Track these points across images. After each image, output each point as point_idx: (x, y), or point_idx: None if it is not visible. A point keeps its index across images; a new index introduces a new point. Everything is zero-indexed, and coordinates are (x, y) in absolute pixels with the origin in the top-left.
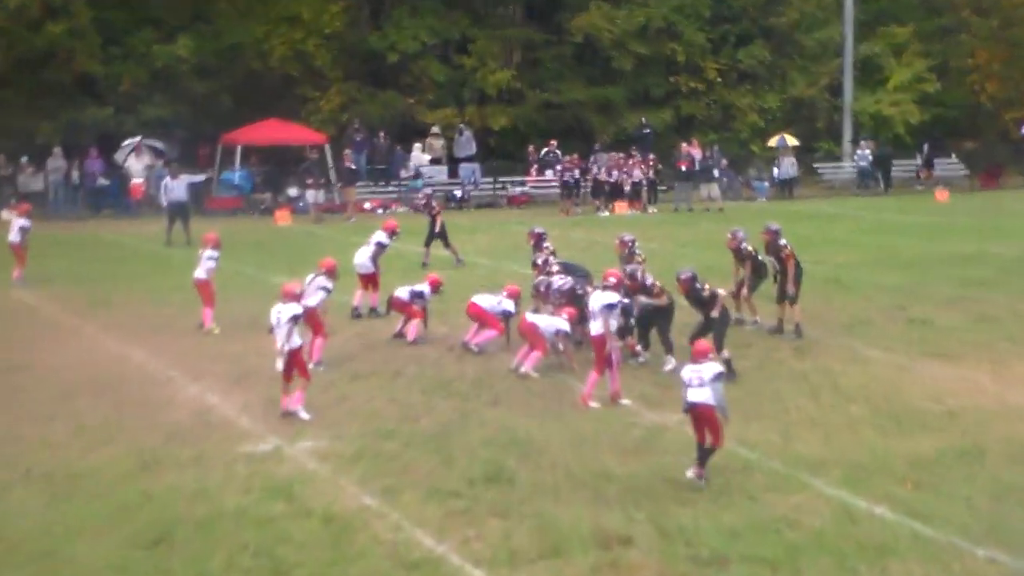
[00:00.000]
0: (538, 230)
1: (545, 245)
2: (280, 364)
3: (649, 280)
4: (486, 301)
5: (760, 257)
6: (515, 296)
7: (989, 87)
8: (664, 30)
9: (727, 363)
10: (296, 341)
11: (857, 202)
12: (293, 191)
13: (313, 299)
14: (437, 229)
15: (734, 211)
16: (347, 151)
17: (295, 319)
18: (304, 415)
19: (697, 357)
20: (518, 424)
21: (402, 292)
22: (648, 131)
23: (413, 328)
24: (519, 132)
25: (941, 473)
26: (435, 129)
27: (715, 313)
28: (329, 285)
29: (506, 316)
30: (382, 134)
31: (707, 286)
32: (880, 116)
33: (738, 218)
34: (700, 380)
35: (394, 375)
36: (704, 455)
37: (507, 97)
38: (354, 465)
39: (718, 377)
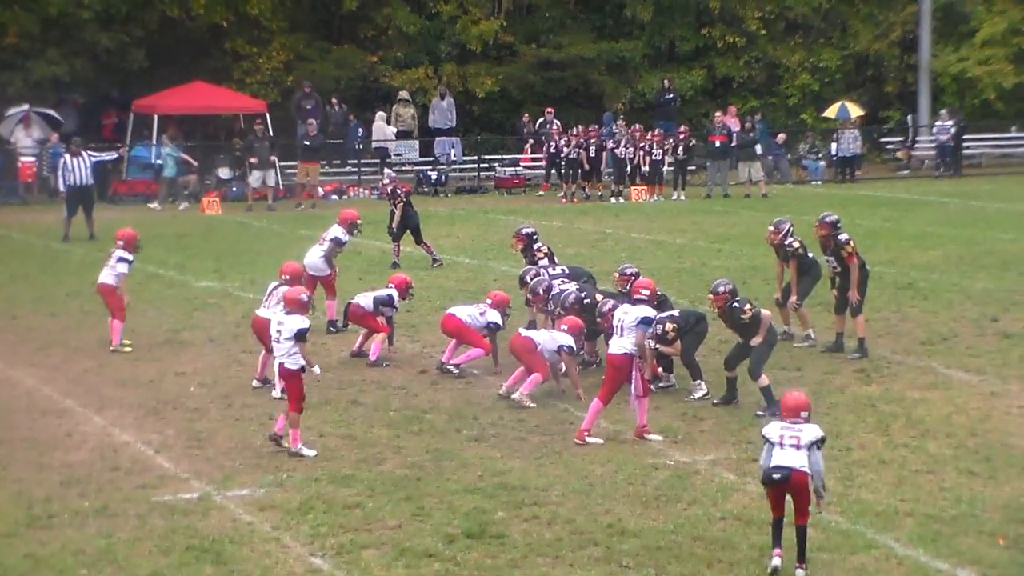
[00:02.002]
0: (526, 230)
1: (537, 247)
2: (278, 391)
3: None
4: (465, 312)
5: (811, 255)
6: (502, 305)
7: None
8: None
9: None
10: (299, 362)
11: (937, 186)
12: (224, 172)
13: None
14: (396, 221)
15: (781, 197)
16: (311, 121)
17: (301, 335)
18: (308, 452)
19: (791, 414)
20: (508, 466)
21: (363, 299)
22: (673, 96)
23: (376, 345)
24: (509, 98)
25: None
26: (403, 94)
27: (757, 341)
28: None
29: (492, 330)
30: (336, 100)
31: (748, 307)
32: (965, 78)
33: (787, 206)
34: (796, 443)
35: (351, 404)
36: (801, 538)
37: (494, 54)
38: (301, 518)
39: (820, 443)
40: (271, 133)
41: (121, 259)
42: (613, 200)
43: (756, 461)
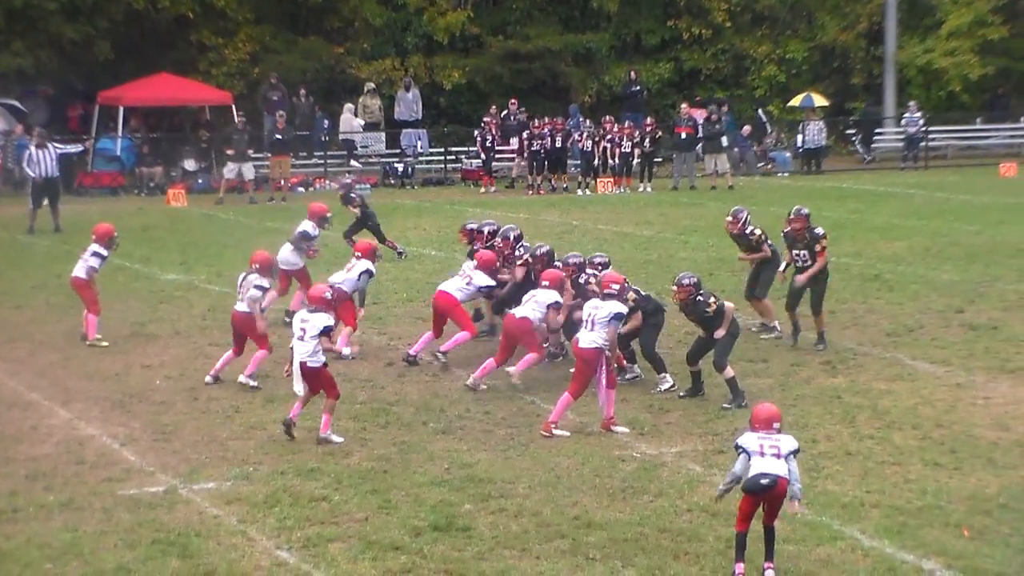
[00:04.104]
0: (472, 225)
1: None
2: (299, 387)
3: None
4: (454, 287)
5: (770, 244)
6: (489, 266)
7: None
8: None
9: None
10: (321, 359)
11: (903, 178)
12: (190, 164)
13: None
14: (357, 220)
15: (748, 188)
16: (280, 113)
17: (327, 333)
18: (336, 439)
19: (764, 425)
20: (475, 459)
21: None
22: (639, 88)
23: (343, 337)
24: (476, 89)
25: (1008, 518)
26: (370, 86)
27: (720, 334)
28: (265, 284)
29: (485, 294)
30: (303, 92)
31: (713, 300)
32: (931, 69)
33: (753, 198)
34: (777, 452)
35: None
36: (770, 538)
37: (461, 45)
38: (268, 511)
39: (796, 452)
40: (237, 125)
41: (95, 254)
42: (580, 192)
43: (723, 453)
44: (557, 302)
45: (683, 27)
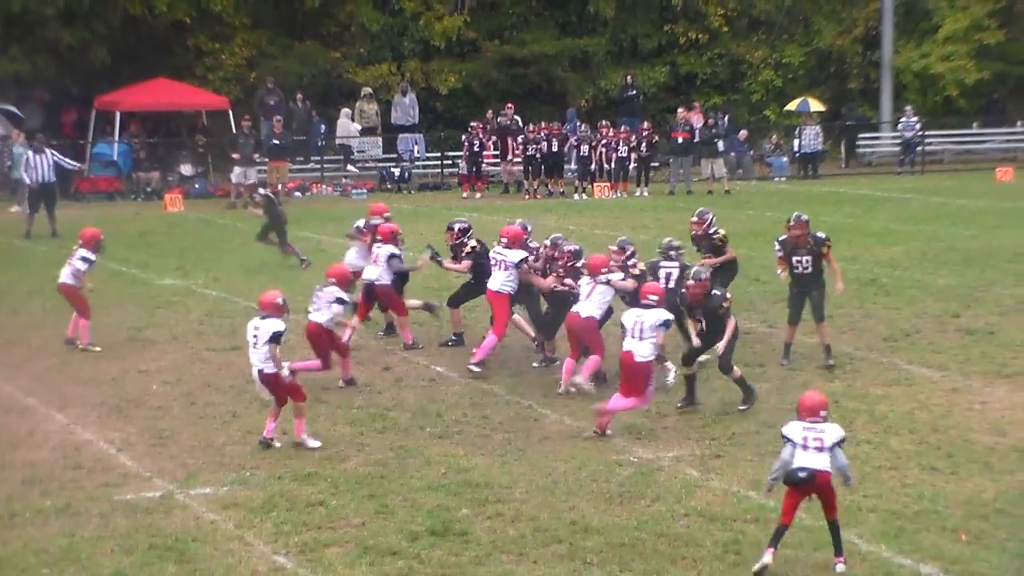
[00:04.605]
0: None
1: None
2: (264, 394)
3: None
4: (497, 283)
5: (728, 250)
6: (516, 240)
7: None
8: None
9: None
10: (276, 369)
11: (899, 183)
12: (187, 169)
13: (324, 314)
14: (267, 221)
15: (744, 193)
16: (277, 118)
17: (276, 338)
18: (312, 443)
19: (810, 413)
20: (472, 464)
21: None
22: (635, 93)
23: (404, 330)
24: (473, 94)
25: (1004, 523)
26: (367, 90)
27: (729, 333)
28: (347, 297)
29: (520, 267)
30: (300, 97)
31: (728, 296)
32: (927, 74)
33: (750, 202)
34: (820, 444)
35: (314, 402)
36: (835, 533)
37: (458, 50)
38: (265, 516)
39: (841, 442)
40: (233, 130)
41: (83, 258)
42: (577, 196)
43: (720, 457)
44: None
45: (679, 32)
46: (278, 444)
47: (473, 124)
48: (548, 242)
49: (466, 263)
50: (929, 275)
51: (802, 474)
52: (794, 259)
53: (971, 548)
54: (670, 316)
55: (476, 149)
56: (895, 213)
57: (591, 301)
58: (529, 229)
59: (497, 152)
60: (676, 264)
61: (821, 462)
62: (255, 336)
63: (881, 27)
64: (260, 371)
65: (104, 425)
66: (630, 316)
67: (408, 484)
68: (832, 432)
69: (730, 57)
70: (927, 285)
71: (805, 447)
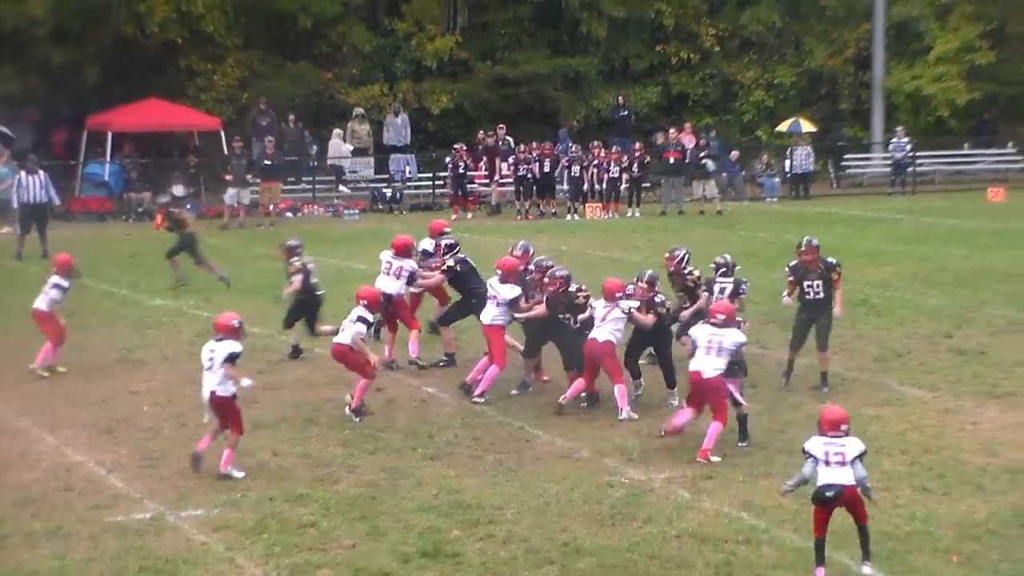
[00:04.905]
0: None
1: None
2: (208, 416)
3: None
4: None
5: (704, 288)
6: (511, 274)
7: None
8: None
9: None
10: (231, 388)
11: (891, 203)
12: (178, 189)
13: (348, 334)
14: (180, 241)
15: (736, 213)
16: (269, 139)
17: (232, 359)
18: (238, 474)
19: (832, 427)
20: (464, 485)
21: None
22: (627, 113)
23: (412, 342)
24: (465, 114)
25: (996, 544)
26: (359, 111)
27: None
28: (369, 317)
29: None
30: (292, 117)
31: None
32: (919, 95)
33: (741, 223)
34: (842, 459)
35: (306, 423)
36: (865, 538)
37: (450, 70)
38: (256, 538)
39: (862, 456)
40: (225, 150)
41: (55, 285)
42: (569, 217)
43: (711, 479)
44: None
45: (671, 52)
46: (239, 474)
47: (456, 146)
48: (532, 266)
49: (437, 277)
50: (920, 295)
51: (829, 492)
52: (805, 284)
53: (963, 569)
54: (744, 338)
55: (461, 171)
56: (886, 233)
57: (607, 325)
58: (531, 251)
59: (478, 173)
60: (731, 280)
61: (846, 477)
62: (211, 359)
63: (872, 48)
64: (212, 393)
65: (95, 446)
66: (703, 333)
67: (399, 505)
68: (853, 446)
69: (722, 77)
70: (918, 305)
71: (828, 463)
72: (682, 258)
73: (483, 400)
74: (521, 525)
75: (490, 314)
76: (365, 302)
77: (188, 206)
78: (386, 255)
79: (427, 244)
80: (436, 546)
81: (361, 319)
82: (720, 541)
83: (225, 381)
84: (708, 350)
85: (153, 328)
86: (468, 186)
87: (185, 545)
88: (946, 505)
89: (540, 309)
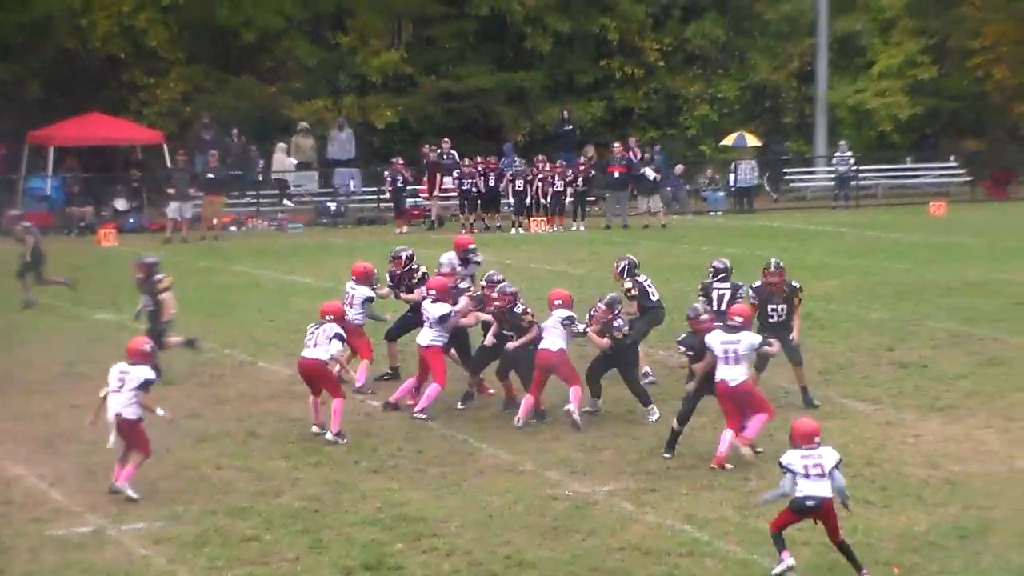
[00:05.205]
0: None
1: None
2: (113, 440)
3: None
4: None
5: (655, 299)
6: (443, 292)
7: (997, 73)
8: (592, 1)
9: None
10: (138, 411)
11: (834, 217)
12: (121, 203)
13: (323, 351)
14: (29, 258)
15: (680, 227)
16: (213, 152)
17: (146, 386)
18: (133, 494)
19: (806, 440)
20: (407, 498)
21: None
22: (572, 128)
23: (362, 369)
24: (409, 129)
25: (937, 556)
26: (303, 125)
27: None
28: (342, 332)
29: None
30: (235, 131)
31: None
32: (862, 109)
33: (686, 237)
34: (821, 471)
35: (249, 436)
36: (848, 552)
37: (394, 85)
38: (198, 551)
39: (839, 464)
40: (168, 164)
41: None
42: (513, 231)
43: (655, 491)
44: (572, 317)
45: (616, 67)
46: (134, 494)
47: (393, 160)
48: (484, 281)
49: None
50: (863, 309)
51: (811, 503)
52: (770, 307)
53: None
54: (759, 340)
55: (399, 185)
56: (829, 247)
57: (555, 332)
58: (457, 267)
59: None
60: (728, 285)
61: (825, 489)
62: (120, 381)
63: (816, 62)
64: (118, 415)
65: (35, 460)
66: (717, 342)
67: (342, 519)
68: (830, 456)
69: (666, 92)
70: (861, 319)
71: (807, 475)
72: (622, 268)
73: (424, 416)
74: (464, 538)
75: (427, 336)
76: (331, 317)
77: (131, 220)
78: (349, 284)
79: (450, 259)
80: (379, 559)
81: (338, 336)
82: (663, 554)
83: (131, 404)
84: (727, 360)
85: (95, 342)
86: (409, 200)
87: (126, 559)
88: (887, 517)
89: (470, 319)
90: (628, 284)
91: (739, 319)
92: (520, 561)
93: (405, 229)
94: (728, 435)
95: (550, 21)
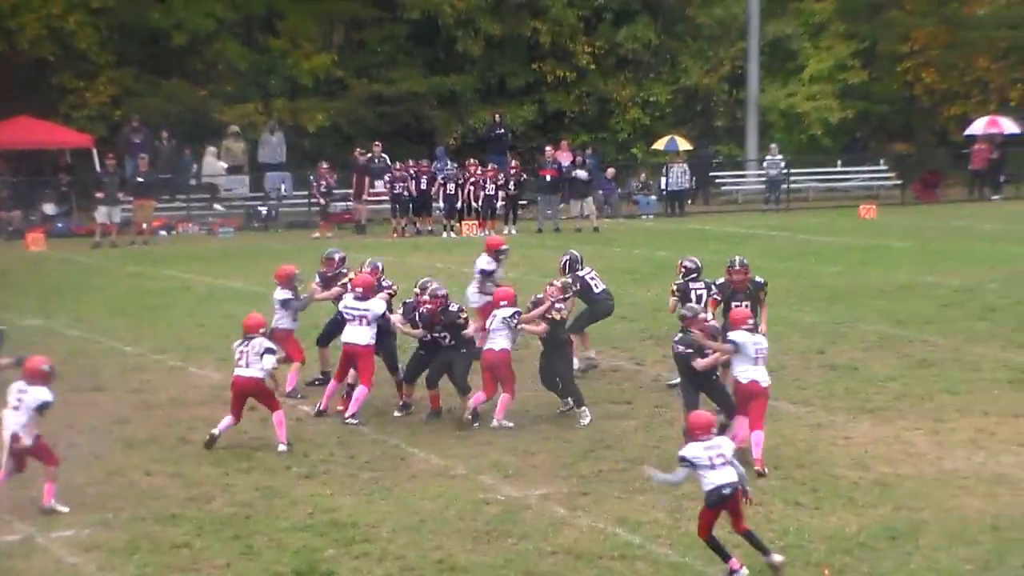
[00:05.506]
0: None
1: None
2: (3, 458)
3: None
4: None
5: (599, 290)
6: (370, 289)
7: (926, 77)
8: (523, 4)
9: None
10: (35, 431)
11: (765, 220)
12: (50, 208)
13: (256, 369)
14: None
15: (612, 230)
16: (143, 156)
17: (42, 408)
18: (63, 508)
19: (704, 431)
20: (339, 503)
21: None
22: (503, 131)
23: (292, 374)
24: (341, 132)
25: (867, 557)
26: (234, 128)
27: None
28: (274, 346)
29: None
30: (165, 135)
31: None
32: (792, 113)
33: (618, 240)
34: (724, 458)
35: (179, 442)
36: (754, 540)
37: (326, 88)
38: (127, 559)
39: (735, 452)
40: (97, 168)
41: None
42: (445, 235)
43: (587, 495)
44: (518, 311)
45: (547, 70)
46: (64, 508)
47: (321, 163)
48: (418, 288)
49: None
50: (795, 312)
51: (727, 491)
52: (733, 304)
53: None
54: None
55: (323, 189)
56: (761, 250)
57: (500, 333)
58: (379, 267)
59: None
60: (702, 284)
61: (733, 475)
62: (18, 400)
63: (747, 66)
64: (14, 435)
65: None
66: (749, 343)
67: (274, 524)
68: (727, 444)
69: (598, 95)
70: (793, 322)
71: (714, 466)
72: (563, 263)
73: (355, 422)
74: (396, 543)
75: (356, 335)
76: (260, 332)
77: (60, 224)
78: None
79: (484, 263)
80: (311, 565)
81: (269, 350)
82: (595, 557)
83: (28, 424)
84: (756, 361)
85: (23, 349)
86: (340, 204)
87: (55, 567)
88: (818, 519)
89: (420, 331)
90: (569, 279)
91: (752, 321)
92: (452, 565)
93: (329, 234)
94: (759, 436)
95: (481, 24)
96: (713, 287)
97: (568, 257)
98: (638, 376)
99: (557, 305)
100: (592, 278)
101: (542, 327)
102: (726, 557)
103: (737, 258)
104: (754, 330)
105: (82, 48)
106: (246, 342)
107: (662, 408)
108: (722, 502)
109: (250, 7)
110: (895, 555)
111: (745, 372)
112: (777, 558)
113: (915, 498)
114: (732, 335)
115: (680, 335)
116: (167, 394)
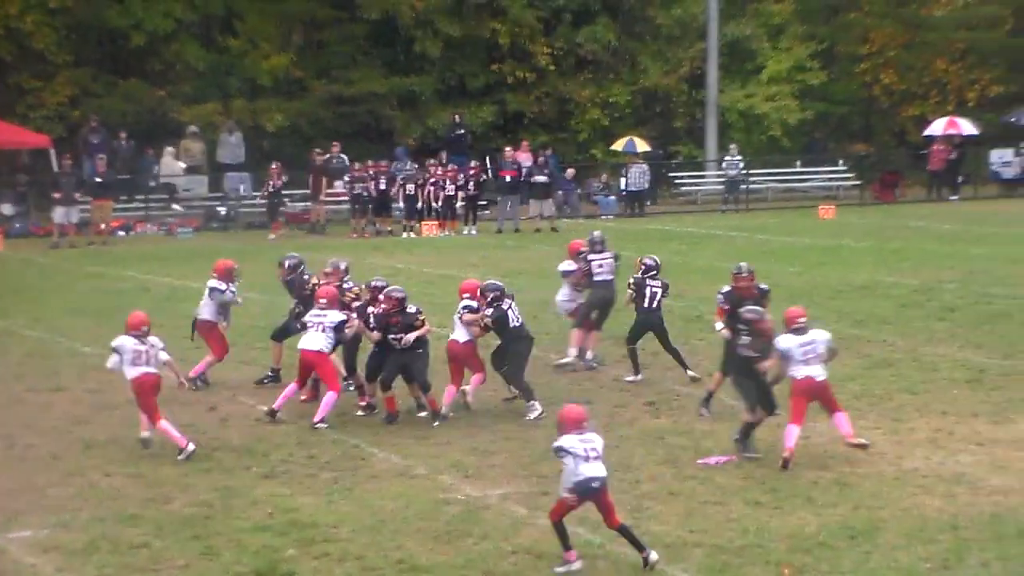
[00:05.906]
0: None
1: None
2: None
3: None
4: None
5: (513, 324)
6: (333, 301)
7: (885, 78)
8: (483, 5)
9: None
10: None
11: (724, 220)
12: (7, 208)
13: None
14: None
15: (572, 231)
16: (100, 156)
17: None
18: None
19: (577, 426)
20: (299, 503)
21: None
22: (463, 132)
23: (203, 364)
24: (300, 132)
25: (826, 556)
26: (193, 129)
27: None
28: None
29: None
30: (124, 135)
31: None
32: (752, 114)
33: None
34: (597, 453)
35: (138, 443)
36: (630, 535)
37: (285, 89)
38: (86, 559)
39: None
40: (55, 168)
41: None
42: (404, 235)
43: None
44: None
45: (507, 71)
46: None
47: (272, 165)
48: (366, 285)
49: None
50: None
51: (596, 484)
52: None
53: None
54: (827, 333)
55: (270, 189)
56: (720, 250)
57: (460, 327)
58: (341, 267)
59: (330, 191)
60: (659, 282)
61: (603, 470)
62: None
63: (706, 67)
64: None
65: None
66: (795, 345)
67: (233, 525)
68: (598, 440)
69: (557, 96)
70: None
71: (587, 458)
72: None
73: (325, 426)
74: (356, 543)
75: (315, 341)
76: (145, 328)
77: (17, 225)
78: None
79: (567, 265)
80: (271, 565)
81: (162, 349)
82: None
83: None
84: (807, 360)
85: None
86: (298, 205)
87: (13, 568)
88: (778, 518)
89: (376, 335)
90: (488, 312)
91: (803, 320)
92: (413, 566)
93: (277, 233)
94: (796, 431)
95: (440, 25)
96: (720, 295)
97: (493, 293)
98: (598, 376)
99: (487, 311)
100: (511, 308)
101: (477, 330)
102: (567, 547)
103: (743, 265)
104: (804, 329)
105: (39, 48)
106: (144, 344)
107: (621, 408)
108: (588, 494)
109: (208, 7)
110: (855, 554)
111: (798, 370)
112: (653, 556)
113: (874, 497)
114: (777, 341)
115: (746, 339)
116: (126, 395)
